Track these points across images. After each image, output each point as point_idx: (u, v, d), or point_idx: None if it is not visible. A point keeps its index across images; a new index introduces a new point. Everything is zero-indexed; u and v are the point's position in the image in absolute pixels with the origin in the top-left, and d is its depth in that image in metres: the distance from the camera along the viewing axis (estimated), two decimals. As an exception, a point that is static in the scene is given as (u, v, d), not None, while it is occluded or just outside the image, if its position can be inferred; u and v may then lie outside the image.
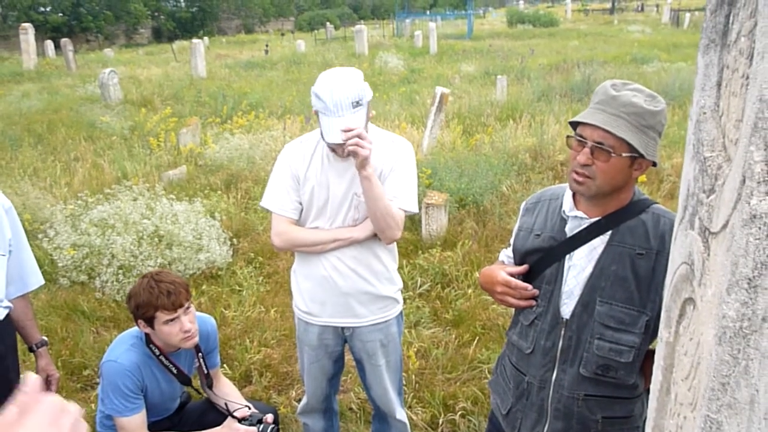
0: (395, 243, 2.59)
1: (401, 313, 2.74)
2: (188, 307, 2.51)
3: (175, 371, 2.64)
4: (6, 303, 2.36)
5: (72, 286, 4.94)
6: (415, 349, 3.85)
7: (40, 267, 5.10)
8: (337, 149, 2.36)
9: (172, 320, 2.46)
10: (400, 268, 5.05)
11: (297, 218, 2.51)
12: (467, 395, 3.37)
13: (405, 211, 2.46)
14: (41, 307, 4.56)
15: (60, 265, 4.97)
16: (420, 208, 5.86)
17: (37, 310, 4.48)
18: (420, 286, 4.76)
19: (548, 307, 1.84)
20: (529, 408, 1.90)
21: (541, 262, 1.87)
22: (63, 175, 7.81)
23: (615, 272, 1.72)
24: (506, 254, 2.09)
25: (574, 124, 1.74)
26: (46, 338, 2.65)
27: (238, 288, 4.86)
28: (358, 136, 2.22)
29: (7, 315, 2.38)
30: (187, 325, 2.51)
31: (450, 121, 10.07)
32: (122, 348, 2.55)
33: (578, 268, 1.79)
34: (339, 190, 2.46)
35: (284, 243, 2.53)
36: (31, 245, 2.63)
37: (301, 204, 2.51)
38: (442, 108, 8.93)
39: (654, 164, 1.72)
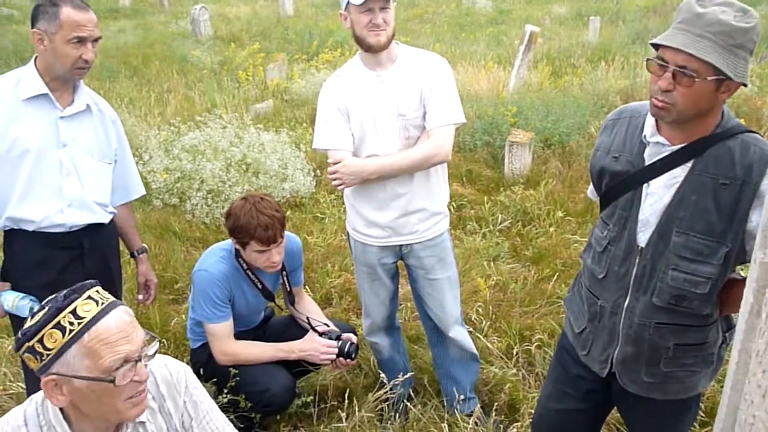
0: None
1: (449, 229, 2.78)
2: (280, 243, 2.60)
3: (260, 286, 2.76)
4: (111, 209, 2.52)
5: (164, 207, 5.19)
6: (493, 282, 3.86)
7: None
8: (369, 37, 2.38)
9: (262, 251, 2.56)
10: (481, 204, 5.06)
11: (352, 150, 2.53)
12: (544, 327, 3.37)
13: (455, 124, 2.52)
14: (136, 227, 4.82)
15: (153, 187, 5.21)
16: (504, 147, 5.79)
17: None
18: (500, 223, 4.74)
19: (622, 233, 1.76)
20: (600, 330, 1.88)
21: (617, 187, 1.78)
22: (156, 105, 8.11)
23: (695, 203, 1.62)
24: (591, 191, 2.04)
25: (656, 46, 1.58)
26: (146, 246, 2.82)
27: (320, 216, 4.98)
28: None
29: (111, 221, 2.54)
30: (275, 258, 2.60)
31: (538, 62, 9.76)
32: (213, 259, 2.68)
33: (656, 197, 1.69)
34: (385, 114, 2.48)
35: None
36: None
37: (353, 136, 2.54)
38: (531, 47, 8.65)
39: (744, 85, 1.57)
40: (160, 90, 9.09)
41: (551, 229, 4.60)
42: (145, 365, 1.43)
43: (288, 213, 5.01)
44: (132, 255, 2.77)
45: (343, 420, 2.59)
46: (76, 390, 1.36)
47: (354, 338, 2.80)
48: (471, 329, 3.18)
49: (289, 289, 2.89)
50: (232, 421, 2.72)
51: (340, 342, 2.74)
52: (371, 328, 2.91)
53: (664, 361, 1.79)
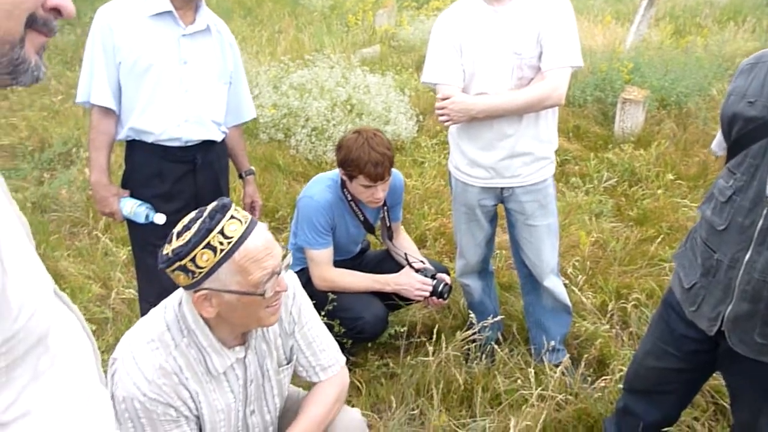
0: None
1: (553, 175, 2.71)
2: (387, 180, 2.62)
3: (362, 218, 2.80)
4: (223, 128, 2.61)
5: (270, 141, 5.35)
6: (593, 239, 3.76)
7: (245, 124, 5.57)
8: None
9: (368, 186, 2.59)
10: (587, 160, 4.90)
11: (462, 86, 2.49)
12: (643, 287, 3.26)
13: (572, 67, 2.41)
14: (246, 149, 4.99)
15: (261, 122, 5.37)
16: (615, 104, 5.55)
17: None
18: (605, 180, 4.58)
19: (751, 183, 1.65)
20: (714, 286, 1.78)
21: (749, 134, 1.65)
22: (267, 45, 8.27)
23: None
24: (717, 143, 1.92)
25: None
26: (253, 168, 2.92)
27: (420, 160, 4.99)
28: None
29: (223, 140, 2.64)
30: (380, 194, 2.63)
31: (660, 20, 9.21)
32: (319, 187, 2.75)
33: None
34: (499, 51, 2.41)
35: None
36: None
37: (464, 71, 2.48)
38: (654, 3, 8.16)
39: None
40: (271, 30, 9.25)
41: (659, 191, 4.40)
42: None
43: (388, 155, 5.04)
44: (240, 176, 2.87)
45: (430, 355, 2.62)
46: (225, 302, 1.46)
47: (448, 279, 2.82)
48: (566, 282, 3.12)
49: (388, 224, 2.92)
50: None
51: (435, 281, 2.76)
52: (464, 270, 2.91)
53: None
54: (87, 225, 4.11)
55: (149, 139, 2.41)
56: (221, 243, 1.41)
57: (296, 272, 2.89)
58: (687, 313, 1.90)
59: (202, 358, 1.55)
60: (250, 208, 2.88)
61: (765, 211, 1.63)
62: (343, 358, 1.92)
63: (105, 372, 1.33)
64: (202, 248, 1.41)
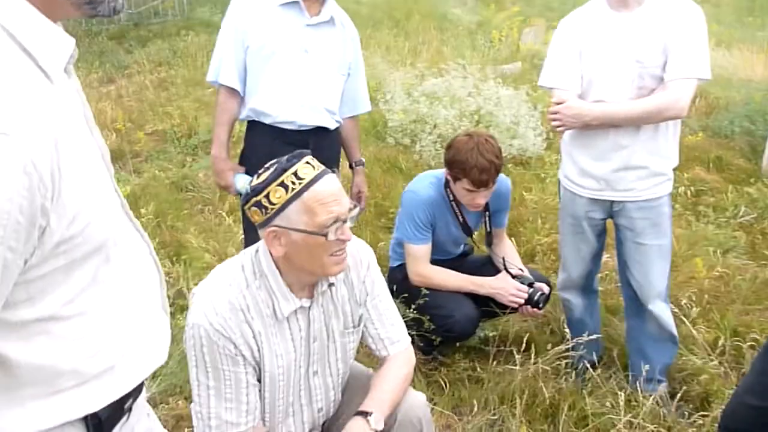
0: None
1: (670, 194, 2.56)
2: (491, 188, 2.61)
3: (461, 220, 2.80)
4: (338, 117, 2.72)
5: (396, 145, 5.47)
6: (717, 273, 3.51)
7: (375, 127, 5.74)
8: None
9: (471, 191, 2.59)
10: (724, 192, 4.58)
11: (579, 93, 2.42)
12: (763, 328, 3.00)
13: (698, 79, 2.29)
14: (368, 159, 5.11)
15: (390, 126, 5.50)
16: (766, 137, 5.15)
17: (365, 161, 5.06)
18: (742, 216, 4.25)
19: None
20: None
21: None
22: (409, 55, 8.45)
23: None
24: None
25: None
26: (363, 159, 3.01)
27: (542, 175, 4.89)
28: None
29: (336, 129, 2.74)
30: (480, 200, 2.63)
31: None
32: (423, 183, 2.79)
33: None
34: (620, 58, 2.33)
35: None
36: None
37: (582, 78, 2.41)
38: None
39: None
40: (415, 42, 9.44)
41: (807, 232, 4.03)
42: (350, 227, 1.63)
43: (510, 167, 4.99)
44: (350, 166, 2.97)
45: (517, 364, 2.57)
46: (293, 242, 1.57)
47: (546, 289, 2.75)
48: (676, 311, 2.94)
49: (489, 229, 2.90)
50: (413, 337, 2.88)
51: (531, 290, 2.71)
52: (566, 284, 2.83)
53: None
54: (215, 205, 4.42)
55: (267, 121, 2.56)
56: (293, 183, 1.53)
57: (395, 266, 2.96)
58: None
59: (270, 301, 1.65)
60: (357, 198, 2.97)
61: None
62: (409, 338, 1.96)
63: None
64: (276, 185, 1.54)
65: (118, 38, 9.51)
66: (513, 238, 3.86)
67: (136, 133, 5.82)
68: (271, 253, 1.64)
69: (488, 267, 2.94)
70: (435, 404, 2.63)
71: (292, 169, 1.54)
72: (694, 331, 2.92)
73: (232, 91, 2.57)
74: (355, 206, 1.64)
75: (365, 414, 1.69)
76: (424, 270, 2.75)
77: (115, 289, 1.00)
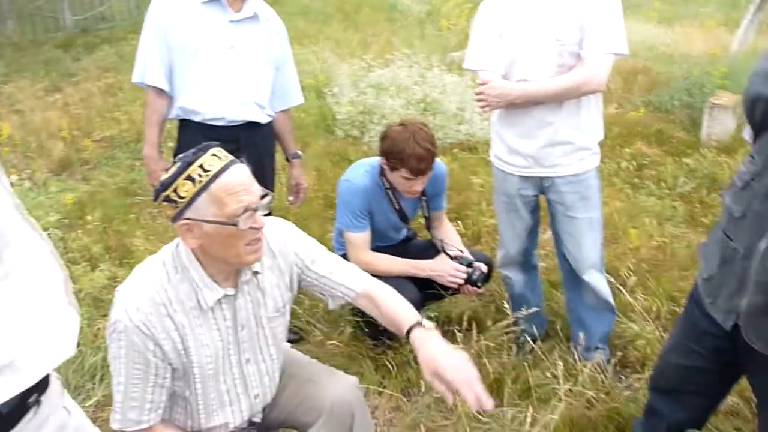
0: (600, 93, 2.51)
1: (597, 167, 2.64)
2: (428, 175, 2.65)
3: (396, 207, 2.84)
4: (269, 111, 2.74)
5: (345, 138, 5.50)
6: (656, 243, 3.61)
7: (324, 120, 5.74)
8: None
9: (408, 179, 2.62)
10: (664, 164, 4.70)
11: (502, 73, 2.47)
12: (698, 292, 3.10)
13: (615, 54, 2.37)
14: (318, 153, 5.16)
15: (338, 118, 5.53)
16: (703, 109, 5.29)
17: (314, 154, 5.08)
18: (681, 186, 4.37)
19: (767, 167, 1.57)
20: (729, 276, 1.67)
21: None
22: (358, 48, 8.47)
23: None
24: (749, 131, 1.82)
25: None
26: (300, 152, 3.03)
27: (489, 159, 4.94)
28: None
29: (269, 123, 2.76)
30: (417, 187, 2.66)
31: (771, 25, 8.67)
32: (358, 172, 2.81)
33: None
34: (540, 37, 2.39)
35: None
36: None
37: (504, 58, 2.47)
38: (763, 7, 7.68)
39: None
40: (365, 34, 9.46)
41: (740, 199, 4.15)
42: (262, 215, 1.65)
43: (457, 153, 5.05)
44: (287, 159, 2.99)
45: (459, 343, 2.62)
46: (205, 234, 1.59)
47: (484, 267, 2.80)
48: (614, 281, 3.03)
49: (427, 214, 2.94)
50: (360, 325, 2.90)
51: (470, 269, 2.76)
52: (504, 261, 2.89)
53: None
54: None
55: (197, 119, 2.58)
56: (200, 175, 1.55)
57: (339, 257, 2.98)
58: (706, 306, 1.81)
59: (194, 292, 1.67)
60: (295, 191, 2.99)
61: None
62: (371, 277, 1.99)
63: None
64: (183, 179, 1.55)
65: (65, 46, 9.38)
66: (460, 222, 3.94)
67: (84, 141, 5.75)
68: None
69: (432, 250, 2.97)
70: (384, 387, 2.67)
71: (198, 162, 1.56)
72: (632, 300, 3.02)
73: (160, 91, 2.58)
74: (266, 194, 1.66)
75: (417, 325, 1.78)
76: (364, 257, 2.79)
77: (9, 288, 1.02)
